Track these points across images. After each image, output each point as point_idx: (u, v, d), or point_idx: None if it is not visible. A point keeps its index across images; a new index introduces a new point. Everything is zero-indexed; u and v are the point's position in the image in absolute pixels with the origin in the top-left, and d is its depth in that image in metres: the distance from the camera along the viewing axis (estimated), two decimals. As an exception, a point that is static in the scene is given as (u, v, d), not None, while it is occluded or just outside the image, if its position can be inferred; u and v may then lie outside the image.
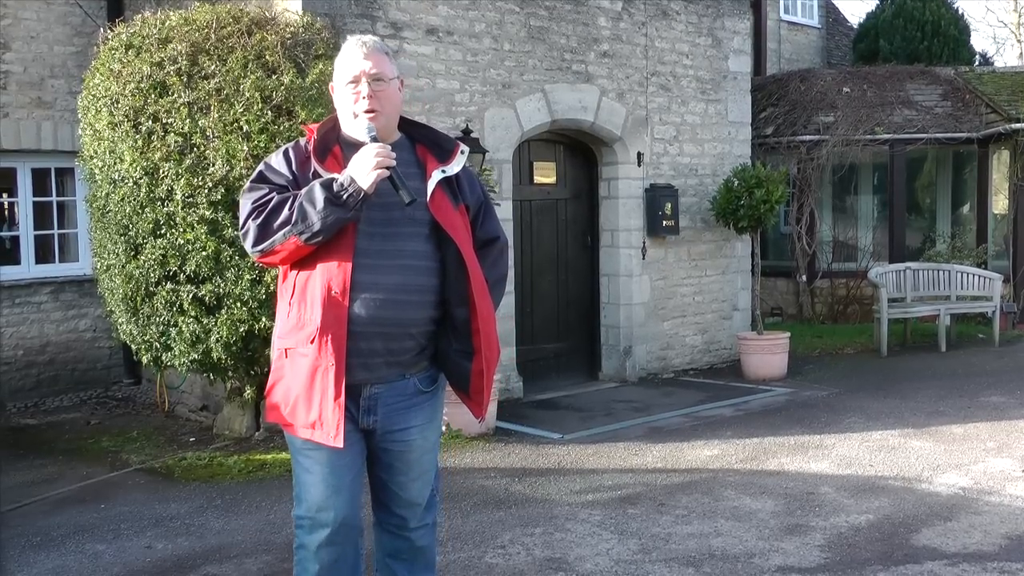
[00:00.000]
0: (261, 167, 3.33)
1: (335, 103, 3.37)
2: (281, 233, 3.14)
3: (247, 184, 3.31)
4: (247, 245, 3.24)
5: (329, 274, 3.17)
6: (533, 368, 9.82)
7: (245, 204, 3.24)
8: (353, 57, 3.29)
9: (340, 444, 3.17)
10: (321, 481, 3.27)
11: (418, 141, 3.44)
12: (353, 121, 3.29)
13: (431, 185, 3.31)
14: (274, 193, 3.21)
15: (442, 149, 3.42)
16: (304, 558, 3.34)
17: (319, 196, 3.09)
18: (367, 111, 3.25)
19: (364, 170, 3.10)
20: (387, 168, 3.12)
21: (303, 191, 3.15)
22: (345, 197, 3.09)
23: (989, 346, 12.13)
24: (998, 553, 5.10)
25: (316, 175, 3.21)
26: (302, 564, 3.35)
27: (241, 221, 3.25)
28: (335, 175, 3.15)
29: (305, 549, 3.33)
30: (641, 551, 5.25)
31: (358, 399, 3.27)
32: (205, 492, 6.55)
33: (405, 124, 3.47)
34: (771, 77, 15.57)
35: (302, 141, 3.36)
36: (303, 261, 3.22)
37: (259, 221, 3.17)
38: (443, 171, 3.35)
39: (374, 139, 3.20)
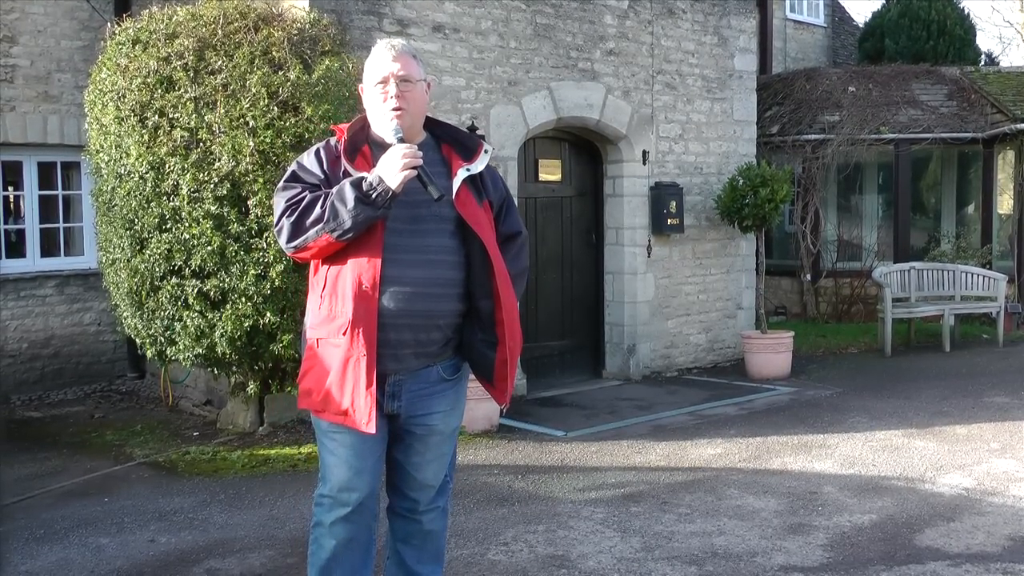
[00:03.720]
0: (293, 167, 3.45)
1: (364, 104, 3.49)
2: (314, 231, 3.28)
3: (280, 183, 3.44)
4: (281, 242, 3.37)
5: (359, 269, 3.29)
6: (537, 365, 9.82)
7: (279, 202, 3.37)
8: (382, 59, 3.42)
9: (373, 430, 3.31)
10: (344, 463, 3.42)
11: (443, 140, 3.57)
12: (381, 120, 3.41)
13: (457, 183, 3.44)
14: (306, 192, 3.34)
15: (466, 148, 3.55)
16: (320, 535, 3.49)
17: (349, 195, 3.22)
18: (394, 109, 3.36)
19: (392, 170, 3.23)
20: (414, 168, 3.23)
21: (334, 190, 3.27)
22: (374, 196, 3.22)
23: (993, 346, 12.13)
24: (1001, 554, 5.10)
25: (346, 174, 3.33)
26: (318, 542, 3.49)
27: (275, 219, 3.38)
28: (364, 174, 3.27)
29: (321, 526, 3.48)
30: (644, 549, 5.25)
31: (383, 386, 3.38)
32: (208, 486, 6.56)
33: (430, 123, 3.59)
34: (776, 76, 15.56)
35: (332, 141, 3.47)
36: (334, 256, 3.35)
37: (292, 219, 3.31)
38: (468, 169, 3.49)
39: (400, 140, 3.31)
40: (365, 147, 3.42)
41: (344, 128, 3.46)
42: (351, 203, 3.20)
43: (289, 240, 3.33)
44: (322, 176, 3.38)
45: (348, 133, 3.43)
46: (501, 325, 3.42)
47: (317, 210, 3.26)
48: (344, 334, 3.30)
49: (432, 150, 3.48)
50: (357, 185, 3.23)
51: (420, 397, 3.46)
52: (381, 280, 3.28)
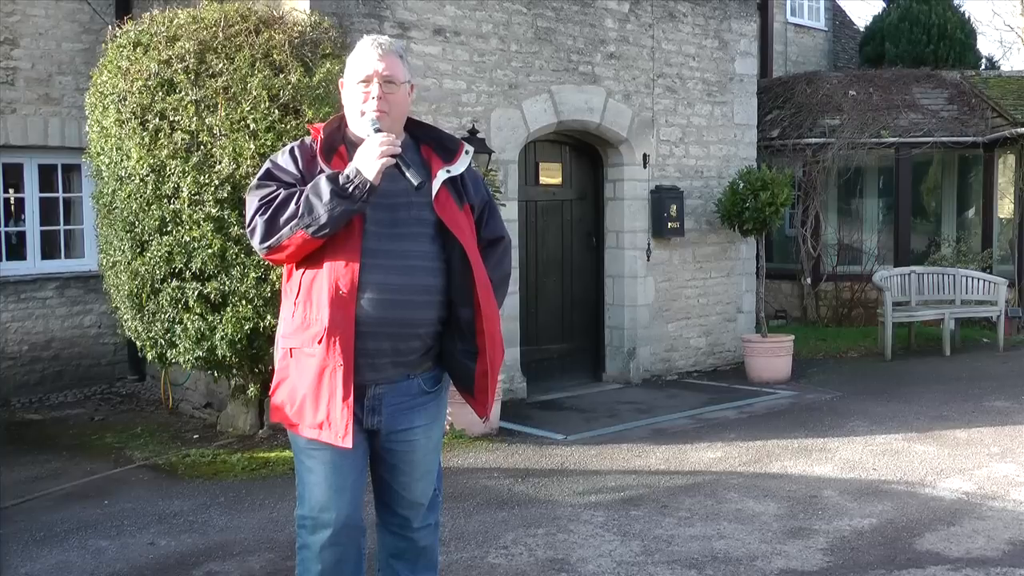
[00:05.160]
0: (268, 165, 3.32)
1: (343, 99, 3.36)
2: (288, 227, 3.13)
3: (254, 182, 3.30)
4: (255, 241, 3.23)
5: (336, 274, 3.16)
6: (537, 369, 9.82)
7: (252, 201, 3.23)
8: (367, 57, 3.29)
9: (349, 444, 3.17)
10: (324, 481, 3.27)
11: (422, 142, 3.44)
12: (360, 119, 3.29)
13: (436, 185, 3.31)
14: (281, 189, 3.21)
15: (446, 149, 3.42)
16: (307, 558, 3.33)
17: (325, 189, 3.09)
18: (375, 111, 3.24)
19: (369, 160, 3.11)
20: (392, 156, 3.12)
21: (309, 185, 3.15)
22: (351, 189, 3.09)
23: (994, 351, 12.13)
24: (1001, 558, 5.10)
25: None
26: (304, 564, 3.34)
27: (248, 218, 3.24)
28: (340, 170, 3.16)
29: (308, 549, 3.32)
30: (643, 553, 5.25)
31: (362, 399, 3.27)
32: (208, 489, 6.56)
33: (409, 124, 3.46)
34: (777, 79, 15.56)
35: (308, 140, 3.35)
36: (309, 260, 3.22)
37: (266, 216, 3.17)
38: (448, 171, 3.36)
39: (377, 131, 3.19)
40: (342, 147, 3.30)
41: (320, 127, 3.34)
42: (327, 196, 3.07)
43: (263, 239, 3.17)
44: (298, 175, 3.25)
45: (324, 132, 3.31)
46: (482, 335, 3.29)
47: (291, 206, 3.12)
48: (319, 343, 3.15)
49: (411, 151, 3.34)
50: (333, 179, 3.09)
51: (401, 411, 3.33)
52: (359, 286, 3.14)
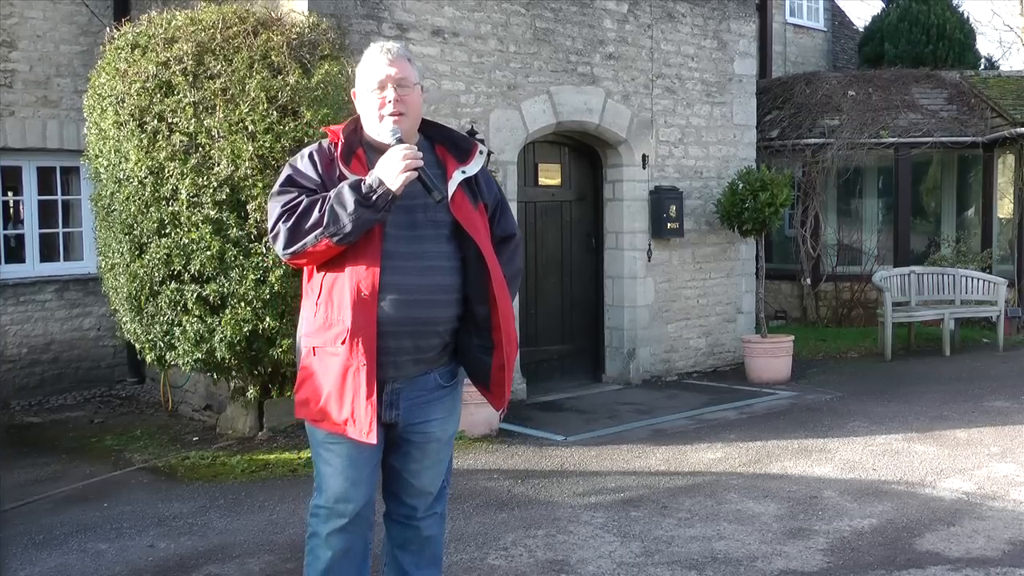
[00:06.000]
0: (288, 171, 3.38)
1: (358, 109, 3.43)
2: (312, 236, 3.20)
3: (275, 188, 3.36)
4: (278, 248, 3.29)
5: (358, 276, 3.24)
6: (537, 370, 9.82)
7: (274, 208, 3.29)
8: (378, 64, 3.35)
9: (374, 440, 3.26)
10: (341, 473, 3.39)
11: (436, 141, 3.51)
12: (379, 125, 3.34)
13: (452, 186, 3.38)
14: (303, 196, 3.27)
15: (460, 149, 3.49)
16: (316, 545, 3.44)
17: (349, 198, 3.15)
18: (393, 114, 3.31)
19: (393, 172, 3.17)
20: (415, 169, 3.18)
21: (332, 193, 3.21)
22: (375, 199, 3.15)
23: (993, 351, 12.12)
24: (1001, 558, 5.10)
25: (342, 177, 3.27)
26: (314, 552, 3.45)
27: (271, 224, 3.30)
28: (362, 177, 3.21)
29: (318, 537, 3.44)
30: (643, 554, 5.24)
31: (380, 394, 3.33)
32: (208, 491, 6.56)
33: (423, 124, 3.53)
34: (776, 80, 15.55)
35: (325, 143, 3.41)
36: (330, 262, 3.29)
37: (289, 224, 3.23)
38: (463, 171, 3.43)
39: (399, 140, 3.26)
40: (359, 150, 3.36)
41: (338, 130, 3.39)
42: (351, 206, 3.13)
43: (286, 246, 3.25)
44: (318, 180, 3.31)
45: (343, 135, 3.37)
46: (498, 330, 3.38)
47: (315, 214, 3.19)
48: (343, 343, 3.24)
49: (427, 152, 3.39)
50: (356, 188, 3.16)
51: (418, 405, 3.42)
52: (380, 287, 3.23)
